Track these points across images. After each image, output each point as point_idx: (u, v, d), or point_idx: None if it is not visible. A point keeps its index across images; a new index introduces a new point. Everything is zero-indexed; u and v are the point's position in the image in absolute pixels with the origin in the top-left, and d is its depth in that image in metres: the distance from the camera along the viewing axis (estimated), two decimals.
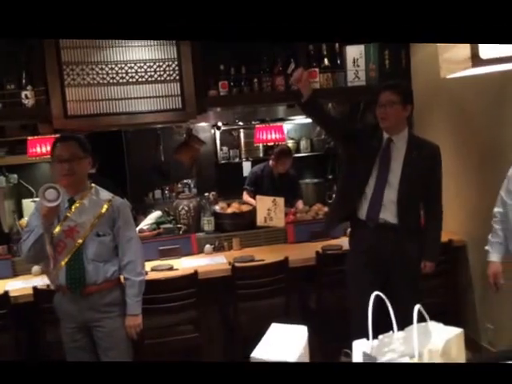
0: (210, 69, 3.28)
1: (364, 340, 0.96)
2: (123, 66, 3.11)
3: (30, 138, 3.91)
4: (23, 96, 3.06)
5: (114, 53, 3.10)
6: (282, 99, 3.46)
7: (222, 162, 5.73)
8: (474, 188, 2.97)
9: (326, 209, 3.62)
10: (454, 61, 1.30)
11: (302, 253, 3.03)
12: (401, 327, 0.96)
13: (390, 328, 0.96)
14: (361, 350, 0.93)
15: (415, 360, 0.88)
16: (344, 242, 2.90)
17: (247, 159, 5.75)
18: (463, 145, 3.03)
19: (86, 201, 2.18)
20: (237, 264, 2.84)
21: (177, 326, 2.70)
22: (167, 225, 3.45)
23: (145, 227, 3.38)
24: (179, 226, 3.42)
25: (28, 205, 4.41)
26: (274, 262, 2.80)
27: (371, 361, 0.89)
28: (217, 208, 3.54)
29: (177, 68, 3.17)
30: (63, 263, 2.12)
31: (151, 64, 3.15)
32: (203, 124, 5.22)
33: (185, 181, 5.27)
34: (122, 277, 2.26)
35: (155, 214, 3.56)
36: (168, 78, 3.17)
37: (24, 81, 3.08)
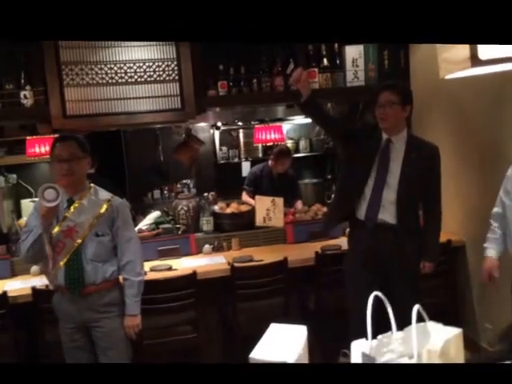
0: (209, 69, 3.28)
1: (363, 340, 0.96)
2: (122, 65, 3.11)
3: (28, 137, 3.91)
4: (22, 96, 3.06)
5: (113, 53, 3.10)
6: (282, 99, 3.46)
7: (221, 162, 5.73)
8: (473, 188, 2.97)
9: (325, 209, 3.62)
10: (452, 61, 1.31)
11: (301, 253, 3.03)
12: (400, 327, 0.96)
13: (389, 328, 0.96)
14: (360, 350, 0.93)
15: (414, 360, 0.88)
16: (343, 242, 2.90)
17: (246, 159, 5.75)
18: (462, 145, 3.04)
19: (84, 201, 2.17)
20: (236, 264, 2.84)
21: (176, 326, 2.69)
22: (166, 225, 3.45)
23: (144, 227, 3.38)
24: (178, 226, 3.42)
25: (27, 205, 4.40)
26: (273, 262, 2.80)
27: (370, 361, 0.89)
28: (216, 208, 3.54)
29: (176, 68, 3.17)
30: (62, 263, 2.12)
31: (150, 64, 3.15)
32: (202, 124, 5.21)
33: (184, 181, 5.26)
34: (120, 277, 2.25)
35: (154, 214, 3.56)
36: (167, 78, 3.17)
37: (23, 81, 3.07)
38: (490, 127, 2.76)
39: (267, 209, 3.40)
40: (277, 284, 2.78)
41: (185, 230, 3.39)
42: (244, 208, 3.57)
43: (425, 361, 0.89)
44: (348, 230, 2.71)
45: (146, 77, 3.14)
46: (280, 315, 2.73)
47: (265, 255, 3.00)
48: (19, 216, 4.28)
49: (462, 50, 1.23)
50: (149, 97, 3.15)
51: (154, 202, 5.32)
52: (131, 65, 3.12)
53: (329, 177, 5.54)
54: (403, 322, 0.96)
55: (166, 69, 3.17)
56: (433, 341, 0.91)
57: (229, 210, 3.52)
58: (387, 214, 2.35)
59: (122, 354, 2.21)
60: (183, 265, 3.02)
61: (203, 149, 4.49)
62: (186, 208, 3.46)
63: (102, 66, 3.09)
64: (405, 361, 0.89)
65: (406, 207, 2.35)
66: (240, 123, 5.52)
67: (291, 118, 5.43)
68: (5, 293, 2.55)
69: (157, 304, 2.57)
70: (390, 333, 0.95)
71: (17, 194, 4.79)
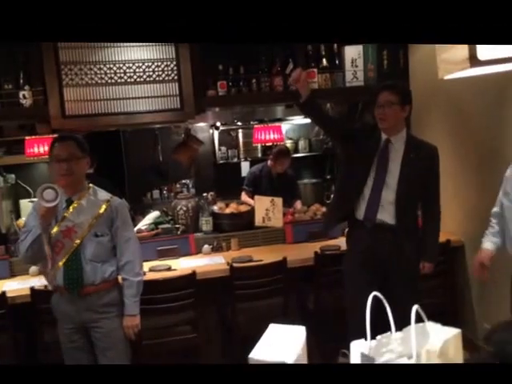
0: (208, 69, 3.28)
1: (362, 340, 0.96)
2: (121, 65, 3.11)
3: (27, 137, 3.90)
4: (21, 96, 3.05)
5: (112, 52, 3.09)
6: (281, 99, 3.46)
7: (221, 162, 5.73)
8: (472, 188, 2.97)
9: (324, 209, 3.62)
10: (451, 62, 1.31)
11: (301, 253, 3.03)
12: (398, 327, 0.96)
13: (388, 329, 0.96)
14: (359, 350, 0.93)
15: (413, 361, 0.88)
16: (342, 243, 2.90)
17: (245, 159, 5.76)
18: (461, 145, 3.04)
19: (83, 201, 2.17)
20: (235, 264, 2.84)
21: (175, 327, 2.69)
22: (165, 225, 3.44)
23: (143, 227, 3.38)
24: (177, 226, 3.42)
25: (25, 205, 4.40)
26: (273, 262, 2.80)
27: (369, 361, 0.89)
28: (215, 208, 3.54)
29: (175, 68, 3.17)
30: (61, 263, 2.12)
31: (149, 64, 3.15)
32: (201, 124, 5.21)
33: (183, 181, 5.26)
34: (119, 277, 2.25)
35: (153, 214, 3.56)
36: (166, 78, 3.17)
37: (22, 81, 3.07)
38: (489, 127, 2.76)
39: (266, 209, 3.40)
40: (276, 284, 2.78)
41: (184, 230, 3.39)
42: (243, 208, 3.57)
43: (424, 361, 0.89)
44: (347, 230, 2.71)
45: (145, 77, 3.14)
46: (279, 315, 2.73)
47: (264, 255, 3.00)
48: (18, 216, 4.28)
49: (461, 51, 1.23)
50: (148, 97, 3.15)
51: (153, 202, 5.32)
52: (130, 65, 3.12)
53: (328, 177, 5.54)
54: (402, 322, 0.96)
55: (166, 69, 3.17)
56: (432, 341, 0.91)
57: (228, 210, 3.52)
58: (386, 214, 2.35)
59: (121, 355, 2.21)
60: (182, 265, 3.02)
61: (202, 149, 4.49)
62: (185, 208, 3.46)
63: (101, 66, 3.08)
64: (404, 361, 0.89)
65: (404, 207, 2.35)
66: (239, 123, 5.52)
67: (290, 118, 5.44)
68: (3, 293, 2.54)
69: (156, 304, 2.57)
70: (389, 333, 0.95)
71: (15, 194, 4.78)
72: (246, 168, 5.44)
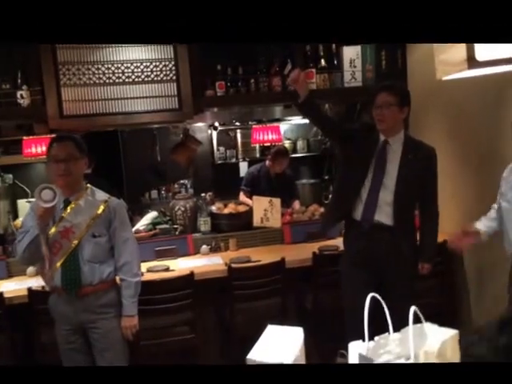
0: (206, 69, 3.27)
1: (360, 341, 0.96)
2: (119, 65, 3.10)
3: (25, 137, 3.89)
4: (19, 96, 3.05)
5: (110, 53, 3.09)
6: (279, 100, 3.46)
7: (219, 162, 5.73)
8: (470, 189, 2.98)
9: (322, 209, 3.62)
10: (449, 63, 1.31)
11: (299, 253, 3.03)
12: (396, 328, 0.96)
13: (385, 329, 0.96)
14: (357, 351, 0.93)
15: (411, 362, 0.88)
16: (340, 243, 2.89)
17: (244, 159, 5.75)
18: (459, 146, 3.04)
19: (81, 201, 2.17)
20: (233, 265, 2.84)
21: (173, 327, 2.69)
22: (163, 225, 3.44)
23: (141, 228, 3.38)
24: (175, 226, 3.41)
25: (23, 205, 4.39)
26: (271, 262, 2.80)
27: (367, 362, 0.89)
28: (213, 208, 3.54)
29: (173, 68, 3.16)
30: (59, 264, 2.11)
31: (148, 64, 3.14)
32: (200, 124, 5.21)
33: (181, 181, 5.26)
34: (117, 278, 2.25)
35: (151, 215, 3.55)
36: (165, 78, 3.17)
37: (19, 80, 3.06)
38: (488, 128, 2.77)
39: (265, 209, 3.40)
40: (274, 284, 2.78)
41: (182, 230, 3.39)
42: (241, 208, 3.57)
43: (422, 362, 0.89)
44: (344, 230, 2.71)
45: (143, 77, 3.14)
46: (277, 316, 2.73)
47: (262, 256, 3.00)
48: (15, 216, 4.25)
49: (459, 52, 1.23)
50: (146, 97, 3.15)
51: (151, 202, 5.31)
52: (128, 65, 3.12)
53: (326, 177, 5.54)
54: (399, 323, 0.96)
55: (164, 69, 3.16)
56: (430, 342, 0.91)
57: (226, 211, 3.52)
58: (383, 215, 2.35)
59: (119, 355, 2.21)
60: (180, 265, 3.02)
61: (201, 149, 4.48)
62: (183, 208, 3.45)
63: (99, 66, 3.08)
64: (402, 362, 0.89)
65: (402, 208, 2.35)
66: (238, 123, 5.52)
67: (289, 118, 5.44)
68: (1, 294, 2.54)
69: (154, 305, 2.57)
70: (386, 334, 0.95)
71: (13, 195, 4.77)
72: (244, 168, 5.44)
